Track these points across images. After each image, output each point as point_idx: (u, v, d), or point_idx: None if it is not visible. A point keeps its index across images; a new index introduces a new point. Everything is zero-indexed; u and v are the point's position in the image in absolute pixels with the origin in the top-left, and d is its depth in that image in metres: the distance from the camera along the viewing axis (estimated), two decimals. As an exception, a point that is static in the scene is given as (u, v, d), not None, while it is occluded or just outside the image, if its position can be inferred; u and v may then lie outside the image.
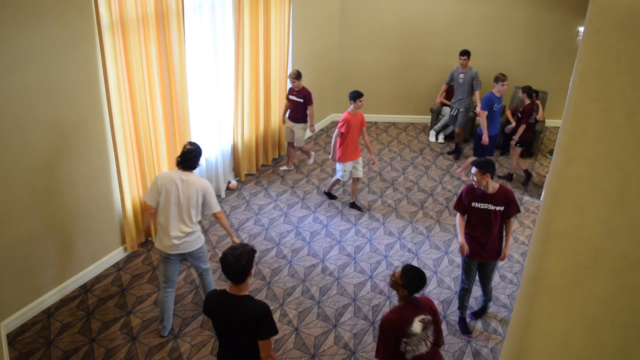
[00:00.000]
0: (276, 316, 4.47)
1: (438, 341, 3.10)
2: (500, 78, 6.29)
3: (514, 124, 7.03)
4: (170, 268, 3.99)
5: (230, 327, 2.79)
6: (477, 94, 7.20)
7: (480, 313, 4.60)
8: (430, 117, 8.49)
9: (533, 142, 7.54)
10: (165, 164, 5.14)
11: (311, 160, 7.20)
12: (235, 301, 2.78)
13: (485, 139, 6.40)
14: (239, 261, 2.69)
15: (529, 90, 6.74)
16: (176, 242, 3.84)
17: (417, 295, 3.07)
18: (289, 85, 6.69)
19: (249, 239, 5.46)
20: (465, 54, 7.14)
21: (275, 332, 2.81)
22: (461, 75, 7.23)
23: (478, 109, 6.75)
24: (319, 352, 4.14)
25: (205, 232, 5.53)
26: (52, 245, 4.28)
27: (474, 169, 4.03)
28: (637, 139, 1.25)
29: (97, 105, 4.36)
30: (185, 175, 3.83)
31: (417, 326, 2.97)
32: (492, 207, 4.07)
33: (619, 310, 0.85)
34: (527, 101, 6.76)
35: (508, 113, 7.69)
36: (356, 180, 6.06)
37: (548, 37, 8.34)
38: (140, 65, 4.52)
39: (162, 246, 3.89)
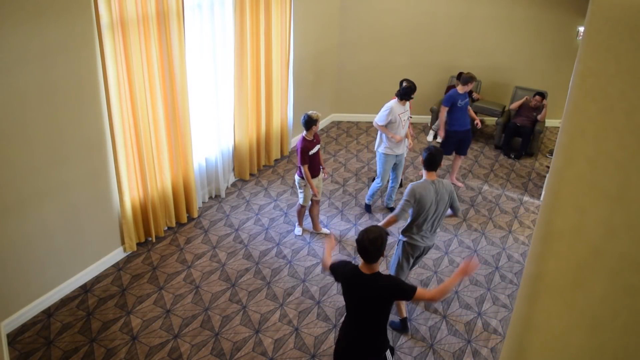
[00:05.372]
0: (276, 316, 4.47)
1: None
2: (468, 79, 6.24)
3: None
4: None
5: (365, 298, 3.01)
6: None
7: None
8: (430, 117, 8.49)
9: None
10: (166, 163, 5.14)
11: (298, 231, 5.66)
12: (367, 279, 3.00)
13: (441, 133, 6.56)
14: (374, 244, 2.90)
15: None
16: None
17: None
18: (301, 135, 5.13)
19: (249, 239, 5.46)
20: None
21: (414, 289, 2.98)
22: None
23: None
24: (319, 352, 4.15)
25: (205, 232, 5.53)
26: (51, 245, 4.28)
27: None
28: (637, 139, 1.25)
29: (97, 105, 4.36)
30: None
31: None
32: None
33: (619, 310, 0.85)
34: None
35: (515, 105, 7.84)
36: None
37: (548, 37, 8.34)
38: (141, 65, 4.52)
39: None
